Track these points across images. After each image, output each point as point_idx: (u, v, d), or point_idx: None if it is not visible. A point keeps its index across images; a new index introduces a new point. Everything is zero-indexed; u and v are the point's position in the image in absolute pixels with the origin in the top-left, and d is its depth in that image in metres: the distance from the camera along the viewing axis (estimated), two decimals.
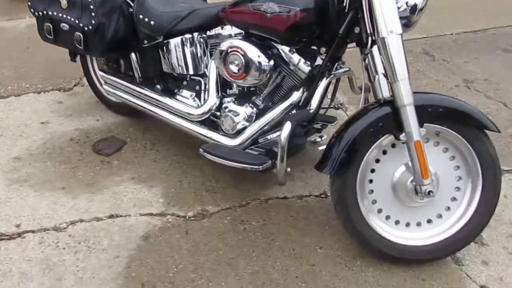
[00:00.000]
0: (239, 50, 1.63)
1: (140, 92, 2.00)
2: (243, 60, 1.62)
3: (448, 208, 1.63)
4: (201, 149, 1.69)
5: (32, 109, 2.50)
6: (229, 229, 1.78)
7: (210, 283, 1.56)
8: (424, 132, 1.47)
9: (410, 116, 1.44)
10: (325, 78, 1.58)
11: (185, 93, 1.93)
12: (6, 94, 2.67)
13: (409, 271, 1.61)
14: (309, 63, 1.62)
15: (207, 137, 1.82)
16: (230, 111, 1.77)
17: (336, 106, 1.95)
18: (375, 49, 1.49)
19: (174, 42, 1.91)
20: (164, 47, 1.94)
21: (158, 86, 2.03)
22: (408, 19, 1.51)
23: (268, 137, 1.76)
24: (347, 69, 1.72)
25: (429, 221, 1.64)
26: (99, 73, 2.18)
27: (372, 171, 1.59)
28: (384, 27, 1.40)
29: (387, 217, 1.63)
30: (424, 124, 1.50)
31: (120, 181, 2.01)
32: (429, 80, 2.87)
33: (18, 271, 1.58)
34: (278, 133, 1.60)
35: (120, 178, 2.03)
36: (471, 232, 1.60)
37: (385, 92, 1.49)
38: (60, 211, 1.84)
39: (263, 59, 1.62)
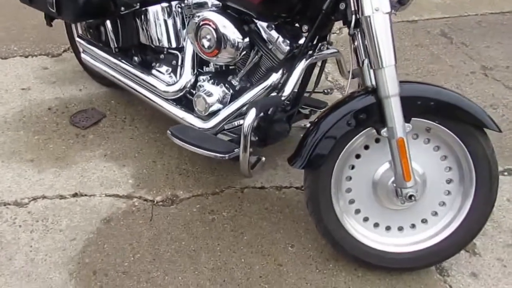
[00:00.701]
0: (211, 23, 1.45)
1: (116, 64, 1.86)
2: (215, 35, 1.45)
3: (435, 213, 1.45)
4: (168, 131, 1.55)
5: (16, 74, 2.40)
6: (196, 218, 1.66)
7: (166, 277, 1.45)
8: (410, 128, 1.29)
9: (393, 109, 1.25)
10: (304, 60, 1.40)
11: (162, 68, 1.77)
12: None
13: (385, 279, 1.46)
14: (288, 42, 1.43)
15: (180, 117, 1.67)
16: (204, 90, 1.61)
17: (326, 90, 1.77)
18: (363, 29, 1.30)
19: (152, 10, 1.74)
20: (142, 16, 1.78)
21: (136, 58, 1.88)
22: None
23: (241, 122, 1.62)
24: (334, 50, 1.52)
25: (412, 226, 1.48)
26: (77, 39, 2.04)
27: (352, 167, 1.42)
28: (369, 3, 1.19)
29: (365, 219, 1.47)
30: (412, 118, 1.32)
31: (92, 157, 1.91)
32: (442, 65, 2.61)
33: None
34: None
35: (92, 153, 1.92)
36: (460, 241, 1.43)
37: (373, 80, 1.33)
38: (23, 185, 1.75)
39: (236, 35, 1.44)
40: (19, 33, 2.84)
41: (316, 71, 1.64)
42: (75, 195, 1.72)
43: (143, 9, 1.76)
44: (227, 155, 1.44)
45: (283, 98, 1.35)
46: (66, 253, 1.50)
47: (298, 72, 1.38)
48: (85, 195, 1.72)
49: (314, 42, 1.43)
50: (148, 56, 1.86)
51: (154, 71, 1.79)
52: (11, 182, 1.76)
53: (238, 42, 1.44)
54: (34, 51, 2.63)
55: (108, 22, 1.84)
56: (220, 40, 1.45)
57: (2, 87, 2.28)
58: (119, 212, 1.67)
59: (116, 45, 1.86)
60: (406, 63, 2.65)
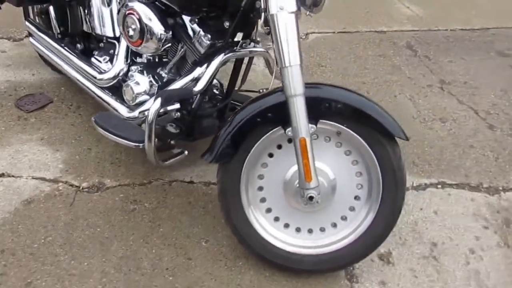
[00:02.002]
0: (135, 13, 1.46)
1: (57, 49, 1.88)
2: (139, 25, 1.46)
3: (345, 218, 1.45)
4: (92, 119, 1.56)
5: None
6: (117, 207, 1.66)
7: (72, 261, 1.46)
8: (314, 129, 1.29)
9: (297, 109, 1.25)
10: (222, 55, 1.41)
11: (101, 56, 1.78)
12: None
13: (292, 281, 1.45)
14: (210, 36, 1.43)
15: (109, 105, 1.68)
16: (133, 80, 1.61)
17: (262, 90, 1.77)
18: None
19: None
20: (86, 4, 1.80)
21: (79, 46, 1.89)
22: None
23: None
24: (260, 49, 1.53)
25: (322, 229, 1.48)
26: (26, 23, 2.06)
27: (264, 165, 1.44)
28: (274, 1, 1.20)
29: (276, 219, 1.47)
30: (320, 120, 1.33)
31: (27, 140, 1.91)
32: (400, 77, 2.61)
33: None
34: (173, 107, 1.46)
35: (29, 137, 1.93)
36: (365, 247, 1.42)
37: None
38: None
39: (158, 27, 1.44)
40: None
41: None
42: (1, 175, 1.73)
43: None
44: (141, 145, 1.45)
45: (195, 91, 1.36)
46: None
47: (213, 68, 1.38)
48: (12, 176, 1.73)
49: (239, 39, 1.45)
50: (91, 44, 1.88)
51: (93, 59, 1.80)
52: None
53: (160, 34, 1.45)
54: None
55: (51, 8, 1.86)
56: (143, 31, 1.46)
57: None
58: (41, 195, 1.67)
59: (58, 31, 1.88)
60: (365, 72, 2.66)
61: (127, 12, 1.48)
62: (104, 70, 1.73)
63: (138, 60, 1.68)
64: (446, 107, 2.38)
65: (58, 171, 1.77)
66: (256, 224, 1.43)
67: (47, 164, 1.80)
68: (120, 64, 1.67)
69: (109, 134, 1.49)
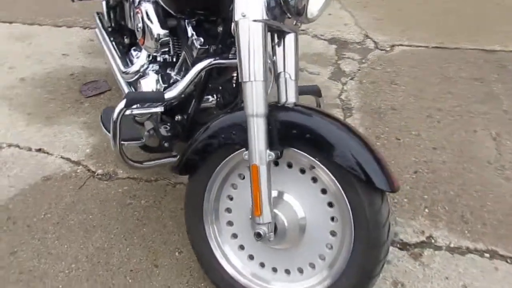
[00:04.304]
0: (140, 12, 1.46)
1: (105, 40, 2.00)
2: (141, 24, 1.46)
3: (313, 266, 1.24)
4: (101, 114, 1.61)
5: (67, 41, 2.76)
6: (116, 198, 1.70)
7: (56, 241, 1.54)
8: (272, 156, 1.12)
9: (255, 131, 1.10)
10: (206, 61, 1.30)
11: (134, 51, 1.85)
12: (61, 24, 3.00)
13: None
14: (201, 40, 1.35)
15: None
16: (145, 78, 1.63)
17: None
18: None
19: None
20: (129, 2, 1.88)
21: (126, 40, 1.99)
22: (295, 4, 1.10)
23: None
24: None
25: (287, 271, 1.29)
26: (94, 14, 2.24)
27: (234, 187, 1.31)
28: (238, 7, 1.06)
29: (241, 247, 1.34)
30: (291, 148, 1.15)
31: (73, 122, 2.10)
32: (493, 109, 2.16)
33: None
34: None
35: (76, 119, 2.11)
36: None
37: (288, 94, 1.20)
38: (10, 132, 2.02)
39: (156, 27, 1.42)
40: (90, 7, 3.23)
41: None
42: (39, 150, 1.93)
43: None
44: (126, 143, 1.45)
45: (166, 96, 1.29)
46: None
47: (192, 74, 1.30)
48: (46, 152, 1.92)
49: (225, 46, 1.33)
50: (133, 40, 1.96)
51: (129, 54, 1.88)
52: (3, 127, 2.05)
53: (157, 34, 1.42)
54: (92, 24, 2.94)
55: (103, 3, 1.99)
56: (144, 29, 1.46)
57: (49, 50, 2.65)
58: (60, 174, 1.81)
59: (109, 25, 2.01)
60: (447, 97, 2.25)
61: (135, 10, 1.50)
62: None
63: (157, 59, 1.69)
64: None
65: (83, 155, 1.91)
66: (214, 246, 1.32)
67: (77, 146, 1.95)
68: (142, 60, 1.70)
69: (103, 128, 1.53)
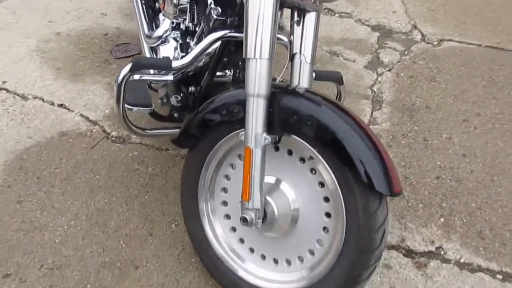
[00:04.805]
0: None
1: (137, 2, 1.97)
2: None
3: (301, 259, 1.17)
4: None
5: (107, 0, 2.76)
6: (124, 162, 1.70)
7: (61, 196, 1.56)
8: (268, 141, 1.06)
9: (253, 112, 1.04)
10: (220, 32, 1.23)
11: (162, 17, 1.79)
12: None
13: None
14: (219, 10, 1.28)
15: None
16: (165, 44, 1.60)
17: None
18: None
19: None
20: None
21: (156, 5, 1.95)
22: None
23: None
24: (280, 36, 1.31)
25: (275, 260, 1.23)
26: None
27: (233, 167, 1.26)
28: None
29: (233, 229, 1.30)
30: (291, 135, 1.08)
31: (98, 81, 2.11)
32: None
33: None
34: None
35: (101, 79, 2.12)
36: None
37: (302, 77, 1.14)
38: (37, 85, 2.06)
39: None
40: None
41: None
42: (60, 105, 1.96)
43: None
44: (134, 108, 1.43)
45: (173, 65, 1.24)
46: (16, 144, 1.75)
47: (203, 44, 1.23)
48: (67, 108, 1.94)
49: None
50: None
51: (156, 19, 1.84)
52: (32, 79, 2.09)
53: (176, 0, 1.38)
54: None
55: None
56: None
57: (89, 9, 2.66)
58: (76, 131, 1.83)
59: None
60: (490, 102, 2.07)
61: None
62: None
63: (180, 26, 1.64)
64: None
65: (101, 115, 1.92)
66: (208, 231, 1.28)
67: (98, 106, 1.96)
68: (165, 26, 1.65)
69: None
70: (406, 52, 2.41)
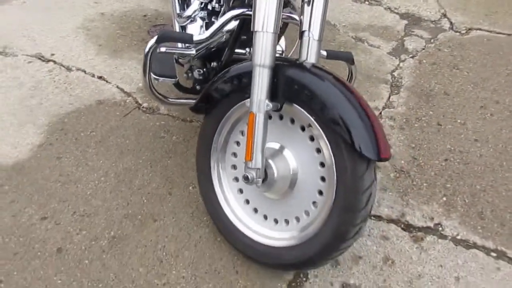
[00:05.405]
0: None
1: None
2: None
3: (298, 219, 1.30)
4: None
5: None
6: (152, 130, 1.88)
7: (95, 156, 1.76)
8: (270, 107, 1.17)
9: (258, 81, 1.17)
10: (239, 9, 1.35)
11: None
12: None
13: (233, 251, 1.42)
14: None
15: None
16: (192, 23, 1.73)
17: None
18: None
19: None
20: None
21: None
22: None
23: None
24: (292, 16, 1.40)
25: (276, 220, 1.36)
26: None
27: (243, 134, 1.38)
28: None
29: (240, 191, 1.43)
30: (293, 104, 1.19)
31: (135, 58, 2.29)
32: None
33: (28, 83, 2.09)
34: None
35: (137, 56, 2.30)
36: (303, 256, 1.25)
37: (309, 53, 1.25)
38: (81, 58, 2.27)
39: None
40: None
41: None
42: (100, 77, 2.16)
43: None
44: (160, 78, 1.58)
45: (194, 38, 1.37)
46: (59, 109, 1.96)
47: (222, 20, 1.36)
48: (106, 80, 2.14)
49: None
50: None
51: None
52: (76, 53, 2.31)
53: None
54: None
55: None
56: None
57: None
58: (112, 100, 2.02)
59: None
60: (511, 90, 2.04)
61: None
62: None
63: (208, 6, 1.77)
64: None
65: (135, 88, 2.10)
66: (218, 190, 1.43)
67: (132, 80, 2.14)
68: (194, 6, 1.79)
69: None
70: (432, 40, 2.44)
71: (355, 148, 1.08)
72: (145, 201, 1.61)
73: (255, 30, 1.15)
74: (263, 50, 1.15)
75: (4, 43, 2.33)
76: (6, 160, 1.72)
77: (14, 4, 2.67)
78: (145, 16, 2.64)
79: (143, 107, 2.01)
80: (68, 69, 2.21)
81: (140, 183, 1.66)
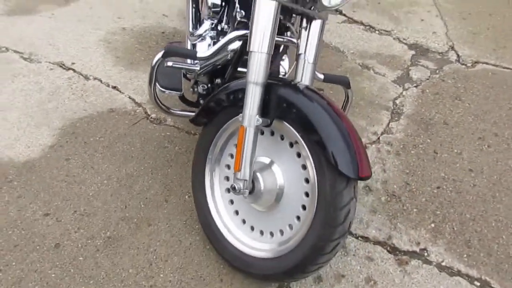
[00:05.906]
0: None
1: (188, 3, 2.22)
2: None
3: (282, 233, 1.35)
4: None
5: (171, 4, 3.09)
6: (157, 140, 1.97)
7: (101, 160, 1.86)
8: (260, 122, 1.25)
9: (250, 96, 1.25)
10: (241, 31, 1.44)
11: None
12: None
13: (220, 260, 1.47)
14: (243, 13, 1.49)
15: None
16: (201, 42, 1.83)
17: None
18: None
19: None
20: None
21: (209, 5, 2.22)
22: None
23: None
24: (291, 39, 1.48)
25: (261, 232, 1.41)
26: None
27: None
28: None
29: (231, 202, 1.49)
30: (283, 121, 1.26)
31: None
32: None
33: (48, 88, 2.22)
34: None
35: None
36: (283, 269, 1.30)
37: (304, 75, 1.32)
38: (98, 69, 2.40)
39: None
40: None
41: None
42: (114, 87, 2.28)
43: None
44: (167, 91, 1.68)
45: (198, 55, 1.46)
46: (72, 114, 2.08)
47: (225, 39, 1.44)
48: (119, 90, 2.26)
49: None
50: None
51: (201, 19, 2.10)
52: (94, 64, 2.44)
53: (211, 2, 1.61)
54: None
55: None
56: None
57: (153, 10, 3.01)
58: (122, 110, 2.13)
59: None
60: (510, 124, 2.06)
61: None
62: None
63: (218, 27, 1.88)
64: None
65: (146, 99, 2.20)
66: (210, 201, 1.50)
67: (144, 91, 2.24)
68: (205, 26, 1.90)
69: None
70: (437, 71, 2.49)
71: (334, 165, 1.14)
72: (142, 206, 1.68)
73: (251, 50, 1.24)
74: (257, 68, 1.23)
75: (30, 50, 2.49)
76: (18, 158, 1.83)
77: (44, 16, 2.85)
78: (163, 33, 2.78)
79: (151, 117, 2.11)
80: (86, 77, 2.34)
81: (140, 189, 1.74)
